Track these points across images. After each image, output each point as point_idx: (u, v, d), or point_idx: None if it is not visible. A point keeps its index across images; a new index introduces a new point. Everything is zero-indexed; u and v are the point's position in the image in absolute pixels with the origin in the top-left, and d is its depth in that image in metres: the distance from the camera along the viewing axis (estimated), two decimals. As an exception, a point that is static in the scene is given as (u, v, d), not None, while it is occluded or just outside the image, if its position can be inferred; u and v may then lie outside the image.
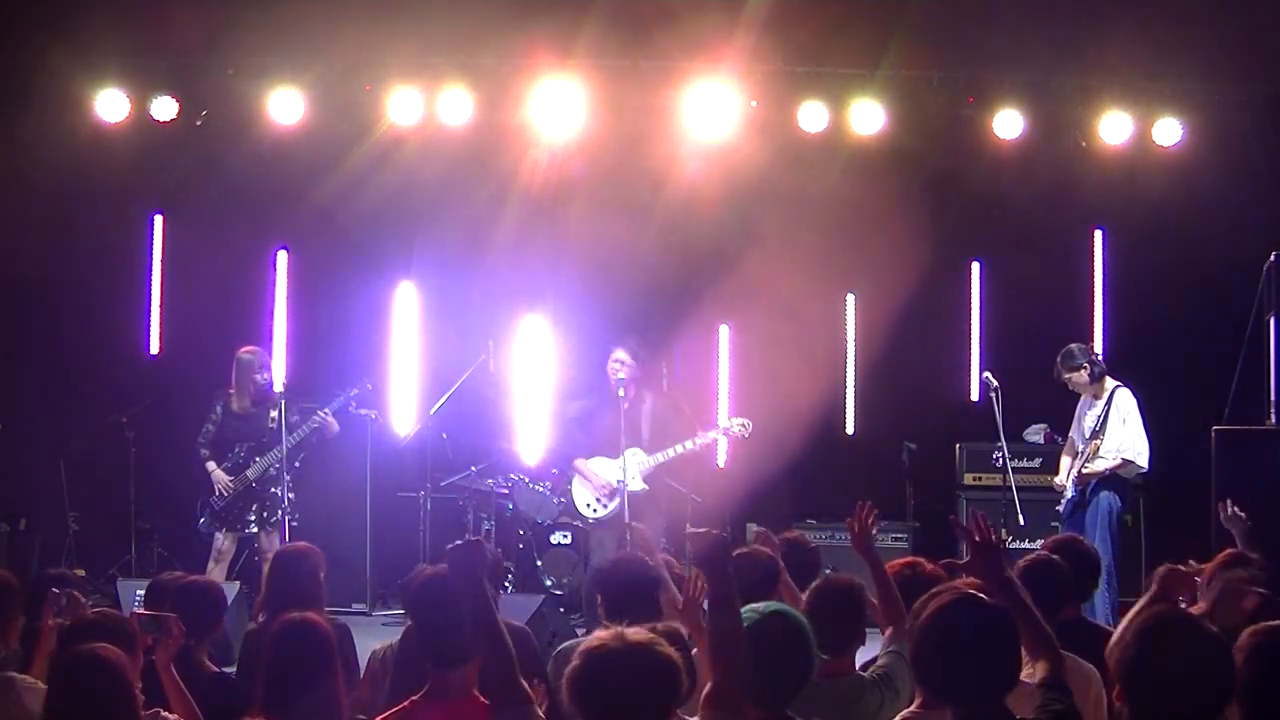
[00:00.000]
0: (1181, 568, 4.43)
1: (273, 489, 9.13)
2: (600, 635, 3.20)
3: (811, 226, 10.83)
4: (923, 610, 3.51)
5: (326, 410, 9.23)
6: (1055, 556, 5.19)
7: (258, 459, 9.18)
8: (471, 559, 3.52)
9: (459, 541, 3.56)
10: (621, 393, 9.04)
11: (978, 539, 3.73)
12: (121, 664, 3.95)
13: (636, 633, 3.19)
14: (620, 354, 9.14)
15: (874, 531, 5.00)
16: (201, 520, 9.26)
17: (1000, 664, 3.40)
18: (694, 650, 4.24)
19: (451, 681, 3.74)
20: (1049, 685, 3.53)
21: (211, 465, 9.24)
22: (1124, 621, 3.91)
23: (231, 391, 9.29)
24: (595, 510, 9.28)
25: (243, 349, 9.39)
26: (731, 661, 3.36)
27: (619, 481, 9.02)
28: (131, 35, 10.09)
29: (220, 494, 9.17)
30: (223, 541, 9.19)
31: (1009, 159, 10.62)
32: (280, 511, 9.09)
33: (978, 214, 11.23)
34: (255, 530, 9.18)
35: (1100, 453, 8.90)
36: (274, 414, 9.16)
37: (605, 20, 9.85)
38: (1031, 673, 3.62)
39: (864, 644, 4.71)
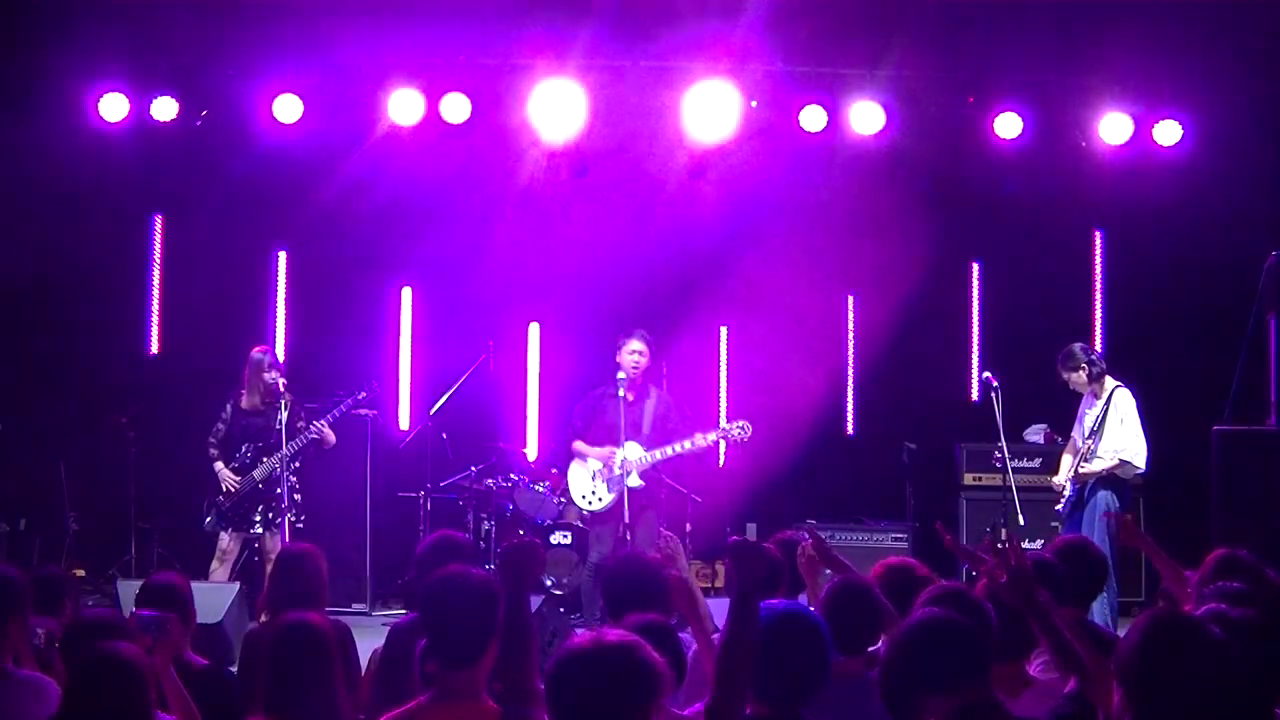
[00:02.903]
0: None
1: (278, 490, 9.12)
2: (579, 636, 3.18)
3: (811, 226, 10.84)
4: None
5: (323, 422, 9.17)
6: (1049, 558, 5.18)
7: (264, 460, 9.16)
8: (527, 560, 3.58)
9: (516, 540, 3.59)
10: (623, 392, 9.01)
11: (1012, 563, 3.82)
12: (141, 664, 3.96)
13: (615, 634, 3.16)
14: (637, 344, 9.04)
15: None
16: (208, 520, 9.21)
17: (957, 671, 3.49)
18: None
19: (460, 683, 3.73)
20: (1072, 697, 3.65)
21: (219, 465, 9.21)
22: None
23: (243, 391, 9.28)
24: (591, 502, 9.18)
25: (255, 348, 9.36)
26: (737, 674, 3.33)
27: (619, 468, 8.97)
28: (131, 35, 10.09)
29: (227, 493, 9.16)
30: (227, 541, 9.18)
31: (1009, 159, 10.62)
32: (287, 513, 9.10)
33: (978, 214, 11.23)
34: (260, 530, 9.17)
35: (1098, 453, 8.89)
36: (283, 415, 9.15)
37: (605, 20, 9.85)
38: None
39: (876, 644, 4.72)
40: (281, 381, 9.10)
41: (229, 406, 9.29)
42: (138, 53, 10.20)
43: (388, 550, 10.51)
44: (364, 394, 9.45)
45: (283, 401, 9.06)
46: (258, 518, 9.15)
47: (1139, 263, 11.13)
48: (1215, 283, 10.48)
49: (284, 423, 8.97)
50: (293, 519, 9.08)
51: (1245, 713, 3.12)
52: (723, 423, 9.27)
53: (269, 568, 8.90)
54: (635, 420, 9.09)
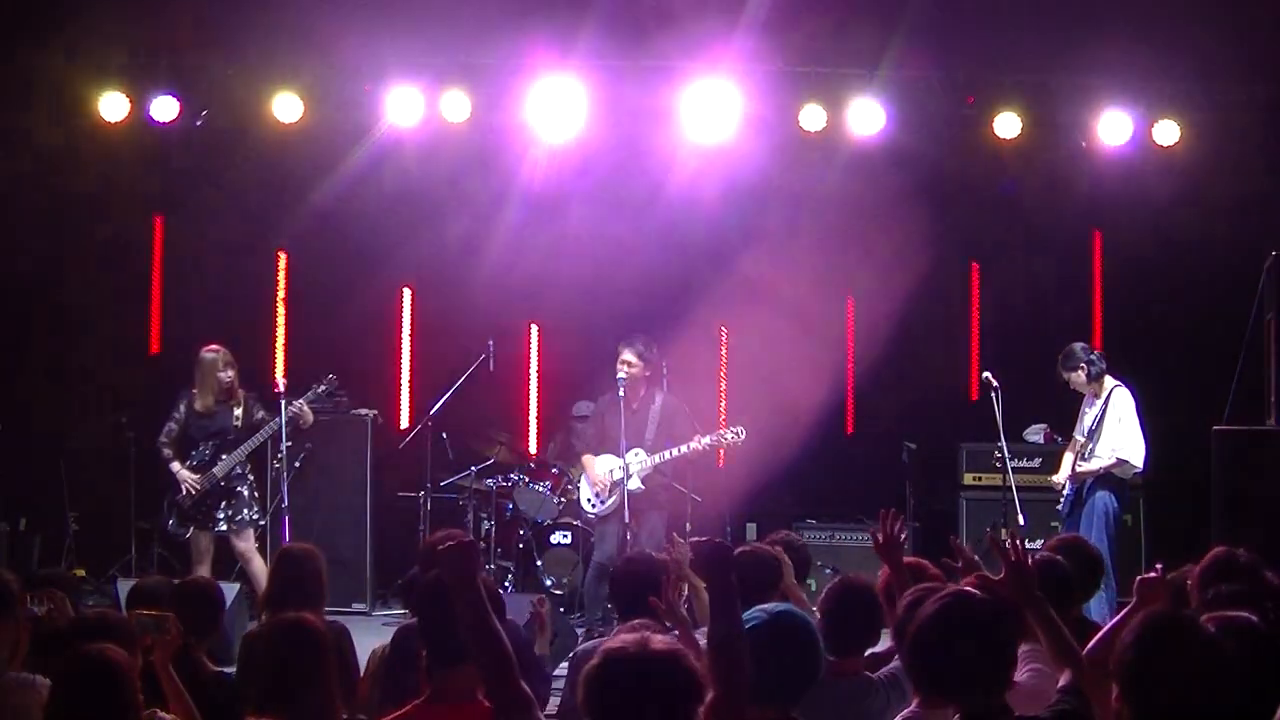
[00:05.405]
0: (1152, 575, 4.41)
1: (238, 488, 9.09)
2: (624, 638, 3.10)
3: (811, 226, 10.83)
4: (917, 610, 3.56)
5: (301, 402, 9.14)
6: (1059, 557, 5.19)
7: (224, 457, 9.11)
8: (465, 560, 3.44)
9: (450, 543, 3.48)
10: (622, 393, 9.11)
11: (1013, 559, 3.81)
12: (127, 666, 3.95)
13: (660, 640, 3.11)
14: (627, 355, 9.26)
15: (902, 538, 5.04)
16: (169, 521, 9.12)
17: (994, 659, 3.47)
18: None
19: (455, 682, 3.73)
20: (1067, 690, 3.65)
21: (176, 465, 9.09)
22: (1109, 626, 3.96)
23: (194, 390, 9.21)
24: (593, 506, 9.42)
25: (205, 347, 9.26)
26: (732, 672, 3.31)
27: (615, 480, 9.08)
28: (131, 35, 10.08)
29: (187, 493, 9.05)
30: (199, 540, 9.11)
31: (1009, 159, 10.62)
32: (246, 511, 9.07)
33: (977, 214, 11.23)
34: (224, 529, 9.09)
35: (1095, 452, 8.90)
36: (237, 412, 9.12)
37: (605, 20, 9.84)
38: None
39: (876, 644, 4.73)
40: (282, 382, 9.07)
41: (182, 406, 9.19)
42: (138, 53, 10.20)
43: (388, 550, 10.52)
44: (324, 387, 9.34)
45: (238, 399, 9.05)
46: (221, 515, 9.08)
47: (1138, 262, 11.12)
48: (1214, 283, 10.48)
49: (278, 421, 8.95)
50: (254, 516, 9.08)
51: (1239, 711, 3.13)
52: (720, 431, 9.29)
53: (247, 568, 8.94)
54: (638, 426, 9.27)
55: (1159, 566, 4.39)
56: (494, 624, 3.40)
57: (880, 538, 4.97)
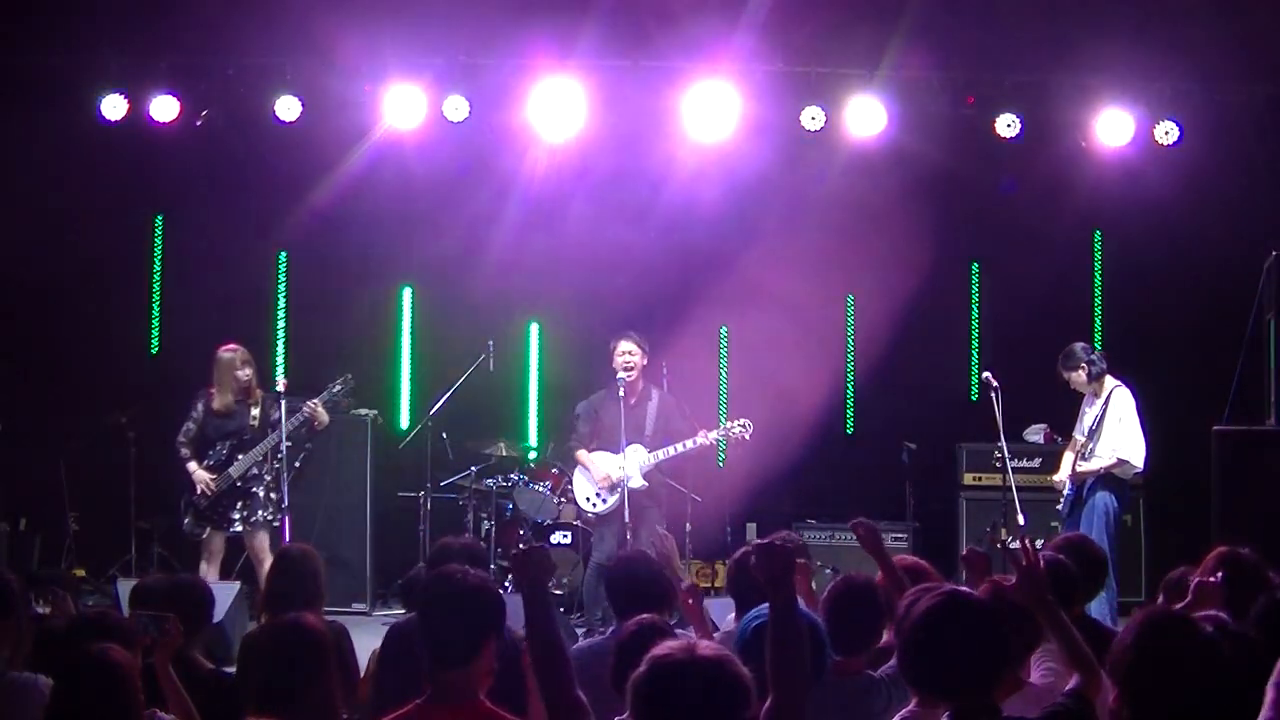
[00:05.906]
0: (1211, 580, 4.40)
1: (254, 488, 9.07)
2: (669, 645, 3.08)
3: (811, 226, 10.84)
4: (911, 609, 3.58)
5: (316, 402, 9.12)
6: (1062, 556, 5.19)
7: (240, 456, 9.06)
8: (540, 568, 3.50)
9: (524, 547, 3.52)
10: (622, 392, 9.08)
11: (1025, 563, 3.81)
12: (128, 665, 3.95)
13: (707, 646, 3.09)
14: (627, 345, 9.17)
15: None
16: (185, 520, 9.07)
17: (985, 658, 3.48)
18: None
19: (454, 683, 3.72)
20: (1070, 694, 3.65)
21: (193, 465, 9.04)
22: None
23: (213, 390, 9.18)
24: (594, 505, 9.29)
25: (223, 347, 9.21)
26: (792, 676, 3.32)
27: (619, 477, 9.05)
28: (131, 35, 10.09)
29: (203, 493, 9.02)
30: (213, 540, 9.12)
31: (1009, 159, 10.62)
32: (261, 512, 9.03)
33: (977, 214, 11.23)
34: (240, 529, 9.06)
35: (1095, 452, 8.90)
36: (255, 411, 9.12)
37: (605, 20, 9.85)
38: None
39: (878, 643, 4.73)
40: (283, 382, 9.06)
41: (199, 406, 9.14)
42: (138, 53, 10.20)
43: (388, 550, 10.52)
44: (339, 386, 9.30)
45: (275, 400, 9.02)
46: (236, 515, 9.05)
47: (1138, 263, 11.13)
48: (1215, 283, 10.48)
49: (279, 420, 8.93)
50: (269, 516, 9.05)
51: (1236, 710, 3.13)
52: (725, 422, 9.28)
53: (260, 569, 8.93)
54: (637, 422, 9.18)
55: (1220, 574, 4.40)
56: (559, 632, 3.47)
57: (861, 531, 5.07)
